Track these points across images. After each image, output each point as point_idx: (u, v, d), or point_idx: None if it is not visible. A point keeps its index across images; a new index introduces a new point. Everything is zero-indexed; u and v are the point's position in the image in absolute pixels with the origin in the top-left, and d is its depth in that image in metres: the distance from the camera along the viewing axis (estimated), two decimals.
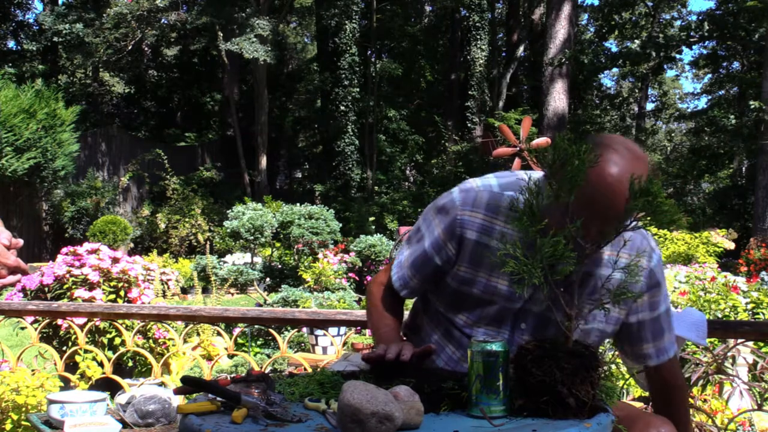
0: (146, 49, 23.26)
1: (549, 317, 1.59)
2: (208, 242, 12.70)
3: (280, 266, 8.53)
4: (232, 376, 4.21)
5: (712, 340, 3.23)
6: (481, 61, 20.30)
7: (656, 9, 24.32)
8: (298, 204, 8.88)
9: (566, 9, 17.94)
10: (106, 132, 18.82)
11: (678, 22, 25.19)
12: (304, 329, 5.94)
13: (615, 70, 25.29)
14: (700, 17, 19.93)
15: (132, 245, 14.69)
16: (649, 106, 30.81)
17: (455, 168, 20.82)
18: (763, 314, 5.55)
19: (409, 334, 1.82)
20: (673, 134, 33.45)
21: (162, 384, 3.02)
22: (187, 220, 15.94)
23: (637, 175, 1.39)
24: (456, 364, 1.70)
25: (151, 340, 4.99)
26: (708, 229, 14.21)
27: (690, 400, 2.67)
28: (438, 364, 1.70)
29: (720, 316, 5.35)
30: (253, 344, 6.51)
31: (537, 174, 1.61)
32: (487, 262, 1.61)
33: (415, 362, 1.50)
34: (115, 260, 5.14)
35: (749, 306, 5.60)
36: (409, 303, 1.91)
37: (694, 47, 21.89)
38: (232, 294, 10.49)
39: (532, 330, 1.64)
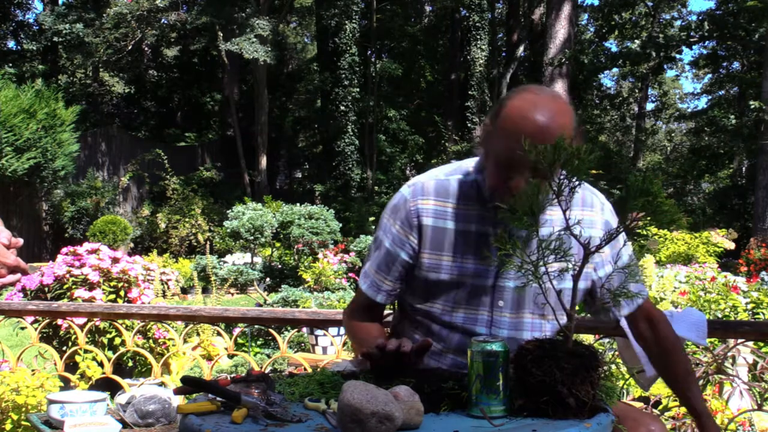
0: (146, 49, 23.27)
1: (526, 291, 1.61)
2: (208, 242, 12.70)
3: (280, 266, 8.53)
4: (232, 376, 4.21)
5: (712, 340, 3.23)
6: (481, 61, 20.31)
7: (656, 9, 24.32)
8: (298, 204, 8.87)
9: (566, 9, 17.94)
10: (106, 132, 18.83)
11: (678, 22, 25.20)
12: (304, 329, 5.94)
13: (615, 70, 25.30)
14: (700, 17, 19.94)
15: (132, 245, 14.70)
16: (649, 106, 30.82)
17: None
18: (763, 314, 5.55)
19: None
20: (673, 134, 33.46)
21: (162, 384, 3.02)
22: (187, 220, 15.94)
23: (555, 112, 1.49)
24: (439, 357, 1.71)
25: (151, 340, 4.99)
26: (708, 229, 14.21)
27: None
28: (446, 362, 1.71)
29: (720, 316, 5.35)
30: (253, 344, 6.50)
31: (476, 160, 1.69)
32: (448, 245, 1.64)
33: (414, 358, 1.50)
34: (115, 260, 5.14)
35: (749, 306, 5.60)
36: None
37: (694, 47, 21.89)
38: (232, 294, 10.49)
39: (511, 306, 1.64)
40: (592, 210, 1.70)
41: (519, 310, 1.65)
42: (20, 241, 1.53)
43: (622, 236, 1.65)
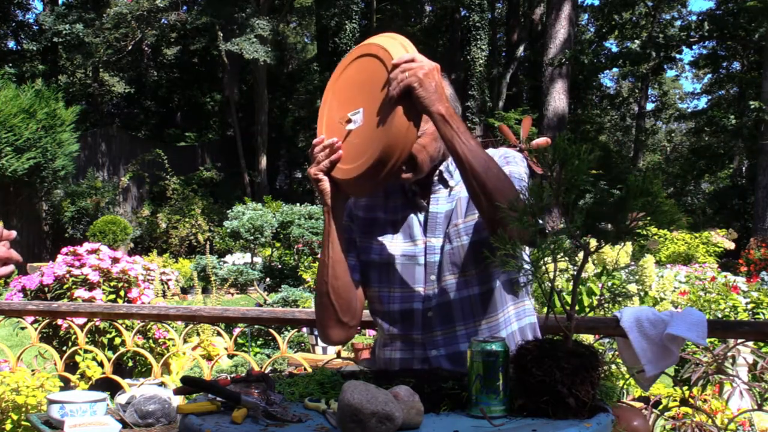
0: (146, 49, 23.27)
1: (451, 262, 1.70)
2: (208, 242, 12.70)
3: (280, 266, 8.53)
4: (232, 376, 4.21)
5: (712, 340, 3.23)
6: (481, 61, 20.30)
7: (656, 9, 24.32)
8: (298, 204, 8.87)
9: (566, 9, 17.94)
10: (106, 132, 18.83)
11: (678, 22, 25.21)
12: (304, 329, 5.95)
13: (615, 70, 25.31)
14: (700, 17, 19.95)
15: (132, 245, 14.70)
16: (649, 106, 30.83)
17: None
18: (763, 314, 5.55)
19: (378, 349, 1.87)
20: (673, 134, 33.47)
21: (162, 384, 3.02)
22: (187, 220, 15.94)
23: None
24: (391, 344, 1.78)
25: (151, 340, 4.99)
26: (708, 229, 14.22)
27: (690, 400, 2.67)
28: (397, 355, 1.76)
29: (720, 316, 5.35)
30: (253, 344, 6.51)
31: None
32: (377, 231, 1.79)
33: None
34: (115, 260, 5.14)
35: (749, 306, 5.60)
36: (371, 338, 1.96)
37: (694, 47, 21.90)
38: (232, 294, 10.49)
39: (438, 277, 1.71)
40: None
41: (442, 276, 1.72)
42: (13, 233, 1.52)
43: (512, 165, 1.73)
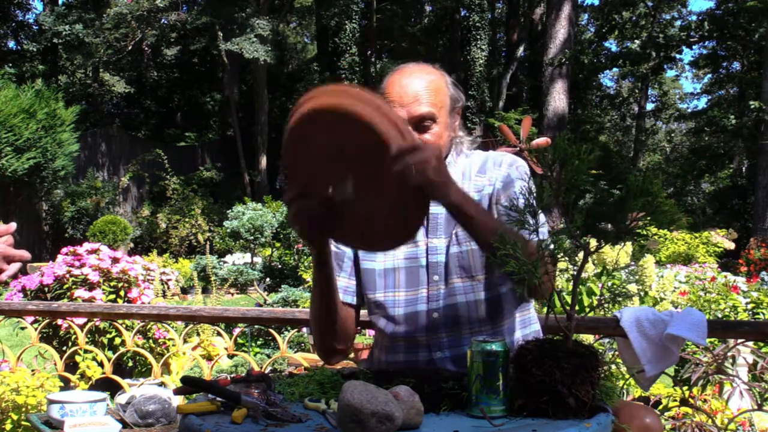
0: (146, 49, 23.27)
1: (459, 265, 1.70)
2: (208, 242, 12.69)
3: (280, 266, 8.53)
4: (232, 376, 4.20)
5: (712, 340, 3.23)
6: (481, 61, 20.30)
7: (656, 9, 24.33)
8: None
9: (566, 9, 17.94)
10: (106, 132, 18.82)
11: (678, 22, 25.22)
12: (304, 329, 5.94)
13: (615, 70, 25.32)
14: (700, 17, 19.97)
15: (132, 245, 14.70)
16: (649, 106, 30.83)
17: None
18: (763, 314, 5.55)
19: (379, 352, 1.86)
20: (673, 134, 33.46)
21: (162, 384, 3.02)
22: (187, 220, 15.94)
23: (417, 70, 1.69)
24: (393, 348, 1.77)
25: (151, 340, 4.99)
26: (708, 229, 14.22)
27: (690, 400, 2.67)
28: (401, 358, 1.75)
29: (720, 316, 5.35)
30: (253, 344, 6.50)
31: None
32: None
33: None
34: (115, 260, 5.14)
35: (749, 306, 5.60)
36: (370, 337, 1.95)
37: (694, 47, 21.90)
38: (232, 294, 10.48)
39: (444, 278, 1.71)
40: (484, 175, 1.76)
41: (449, 278, 1.71)
42: (11, 226, 1.46)
43: (518, 182, 1.71)
